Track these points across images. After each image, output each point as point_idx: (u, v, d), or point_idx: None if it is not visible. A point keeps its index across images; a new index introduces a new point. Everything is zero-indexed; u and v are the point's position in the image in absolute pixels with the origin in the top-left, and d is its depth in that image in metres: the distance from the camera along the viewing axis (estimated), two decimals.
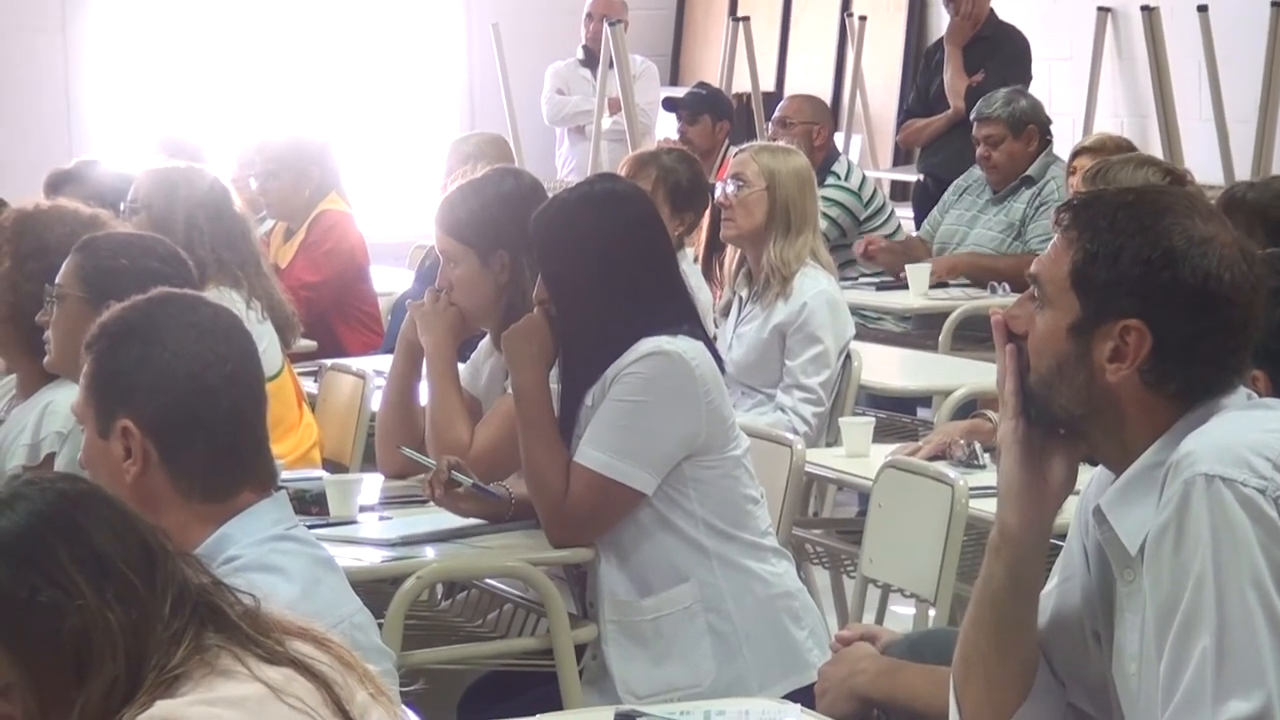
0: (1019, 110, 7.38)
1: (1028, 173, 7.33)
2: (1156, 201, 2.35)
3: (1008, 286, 6.88)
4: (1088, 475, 2.42)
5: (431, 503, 4.03)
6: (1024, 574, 2.37)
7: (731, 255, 5.58)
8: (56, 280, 3.73)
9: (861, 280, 7.40)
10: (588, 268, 3.69)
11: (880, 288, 7.29)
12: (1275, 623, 2.15)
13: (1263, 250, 3.99)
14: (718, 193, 5.51)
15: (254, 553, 2.48)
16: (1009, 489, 2.36)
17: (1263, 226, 4.11)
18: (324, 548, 2.66)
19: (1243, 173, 7.81)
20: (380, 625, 3.37)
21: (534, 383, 3.71)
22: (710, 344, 3.79)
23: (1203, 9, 8.93)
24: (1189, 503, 2.19)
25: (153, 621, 1.92)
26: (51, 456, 3.70)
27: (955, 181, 7.70)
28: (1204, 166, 8.36)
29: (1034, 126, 7.38)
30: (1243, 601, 2.15)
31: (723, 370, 3.81)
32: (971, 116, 7.65)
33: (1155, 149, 8.52)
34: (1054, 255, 2.33)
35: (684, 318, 3.76)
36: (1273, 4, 8.68)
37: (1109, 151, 6.18)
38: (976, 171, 7.55)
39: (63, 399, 3.57)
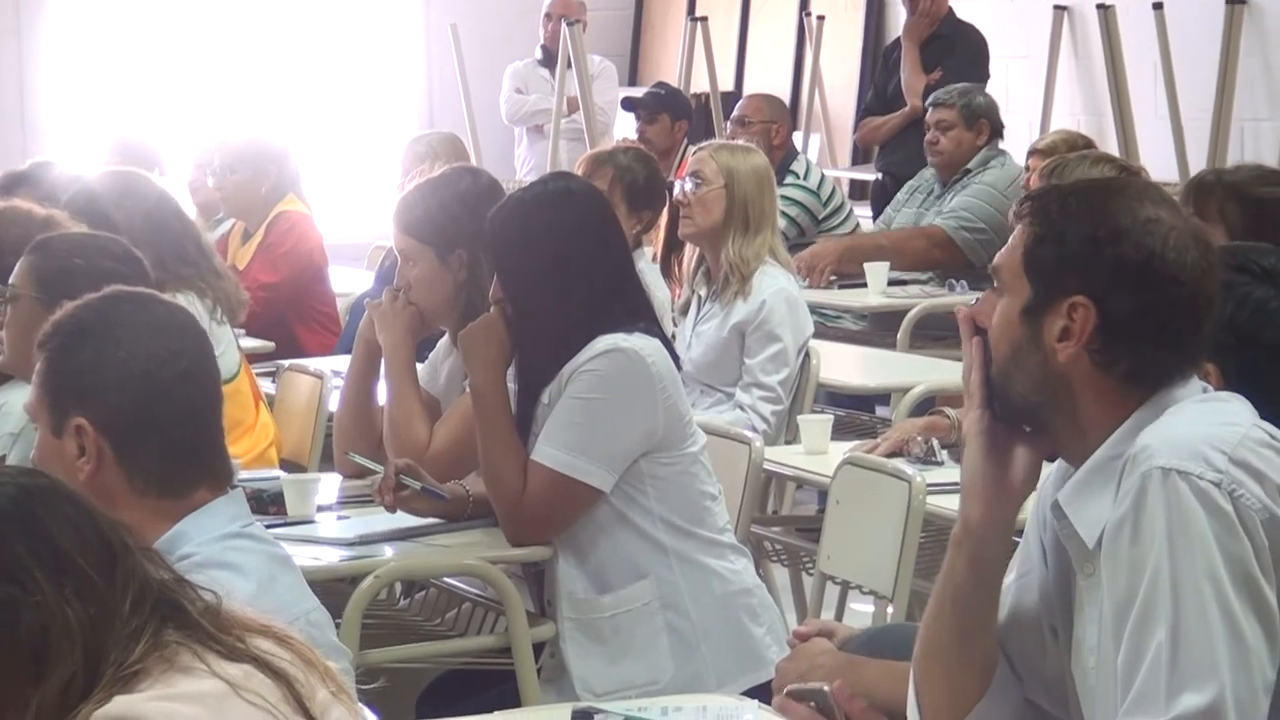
0: (975, 104, 7.41)
1: (968, 165, 7.34)
2: (1107, 187, 2.40)
3: (965, 284, 6.90)
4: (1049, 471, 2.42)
5: None
6: (986, 568, 2.37)
7: (690, 254, 5.58)
8: (10, 281, 3.71)
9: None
10: (542, 266, 3.69)
11: (840, 286, 7.31)
12: (1229, 616, 2.16)
13: (1240, 229, 4.06)
14: (676, 191, 5.51)
15: (209, 550, 2.47)
16: (972, 482, 2.37)
17: (1238, 204, 4.13)
18: (280, 545, 2.66)
19: (1197, 169, 7.84)
20: (338, 624, 3.38)
21: (491, 382, 3.71)
22: (667, 342, 3.80)
23: (1158, 7, 8.97)
24: (1145, 496, 2.20)
25: (112, 618, 1.91)
26: (2, 459, 3.68)
27: (908, 182, 7.72)
28: (1159, 163, 8.40)
29: (986, 121, 7.40)
30: (1197, 595, 2.16)
31: (680, 369, 3.82)
32: (927, 103, 7.67)
33: (1111, 146, 8.55)
34: (1011, 244, 2.37)
35: (640, 316, 3.77)
36: (1227, 1, 8.73)
37: (1065, 149, 6.21)
38: (929, 171, 7.56)
39: (15, 400, 3.56)
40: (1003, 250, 2.37)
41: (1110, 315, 2.29)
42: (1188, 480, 2.18)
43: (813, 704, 2.40)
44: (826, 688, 2.40)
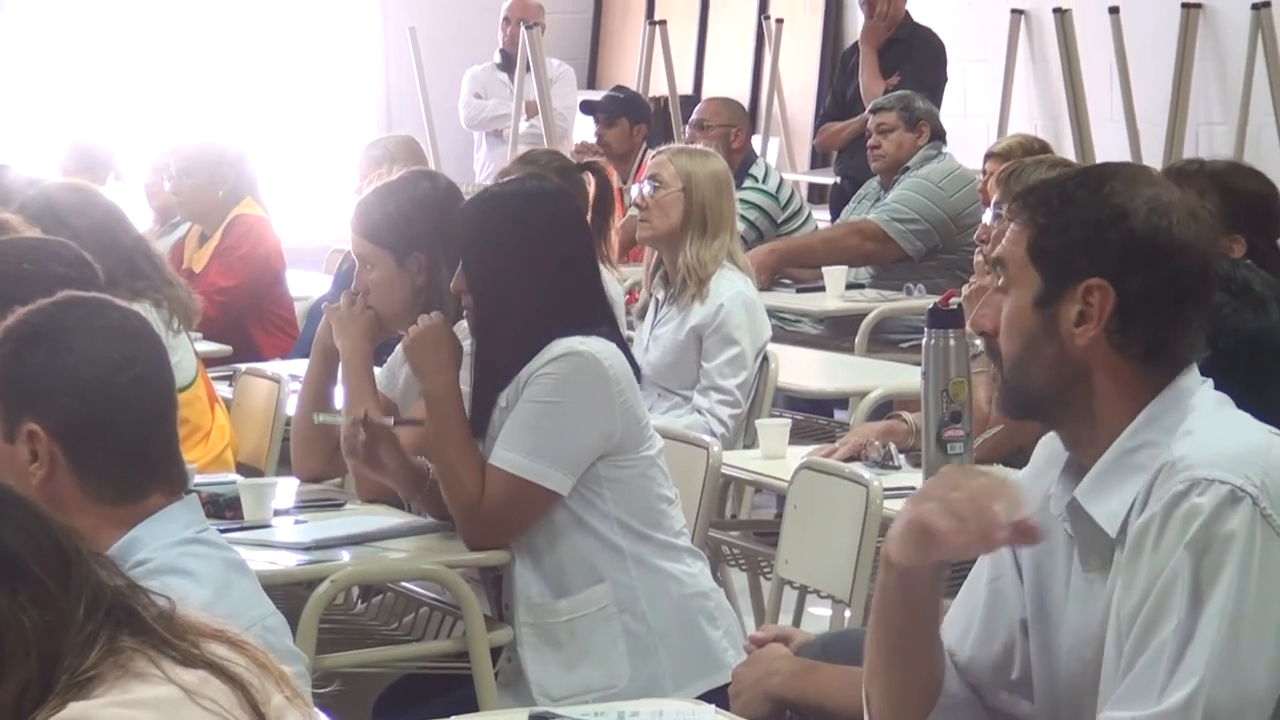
0: (915, 108, 7.43)
1: (908, 165, 7.36)
2: (1101, 171, 2.40)
3: (923, 288, 6.91)
4: None
5: (348, 504, 4.03)
6: (913, 594, 2.34)
7: (649, 257, 5.58)
8: None
9: (779, 283, 7.42)
10: (509, 260, 3.70)
11: (798, 290, 7.32)
12: (1238, 627, 2.17)
13: (1217, 219, 4.08)
14: (634, 194, 5.51)
15: (164, 556, 2.46)
16: (899, 530, 2.32)
17: (1217, 191, 4.16)
18: (236, 551, 2.65)
19: None
20: (295, 629, 3.37)
21: (444, 386, 3.71)
22: (626, 348, 3.80)
23: (1114, 11, 9.01)
24: (1180, 503, 2.21)
25: (66, 624, 1.90)
26: None
27: (858, 192, 7.73)
28: None
29: (926, 124, 7.42)
30: (1214, 602, 2.17)
31: (639, 377, 3.82)
32: (868, 109, 7.70)
33: (1068, 150, 8.59)
34: (1013, 237, 2.37)
35: (601, 321, 3.77)
36: (1183, 5, 8.77)
37: (1022, 153, 6.23)
38: (876, 179, 7.57)
39: None
40: (1003, 246, 2.38)
41: (1126, 294, 2.30)
42: (1227, 491, 2.20)
43: None
44: None
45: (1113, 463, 2.30)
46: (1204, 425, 2.28)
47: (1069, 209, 2.33)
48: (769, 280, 7.16)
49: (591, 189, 5.48)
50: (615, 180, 6.95)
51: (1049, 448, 2.43)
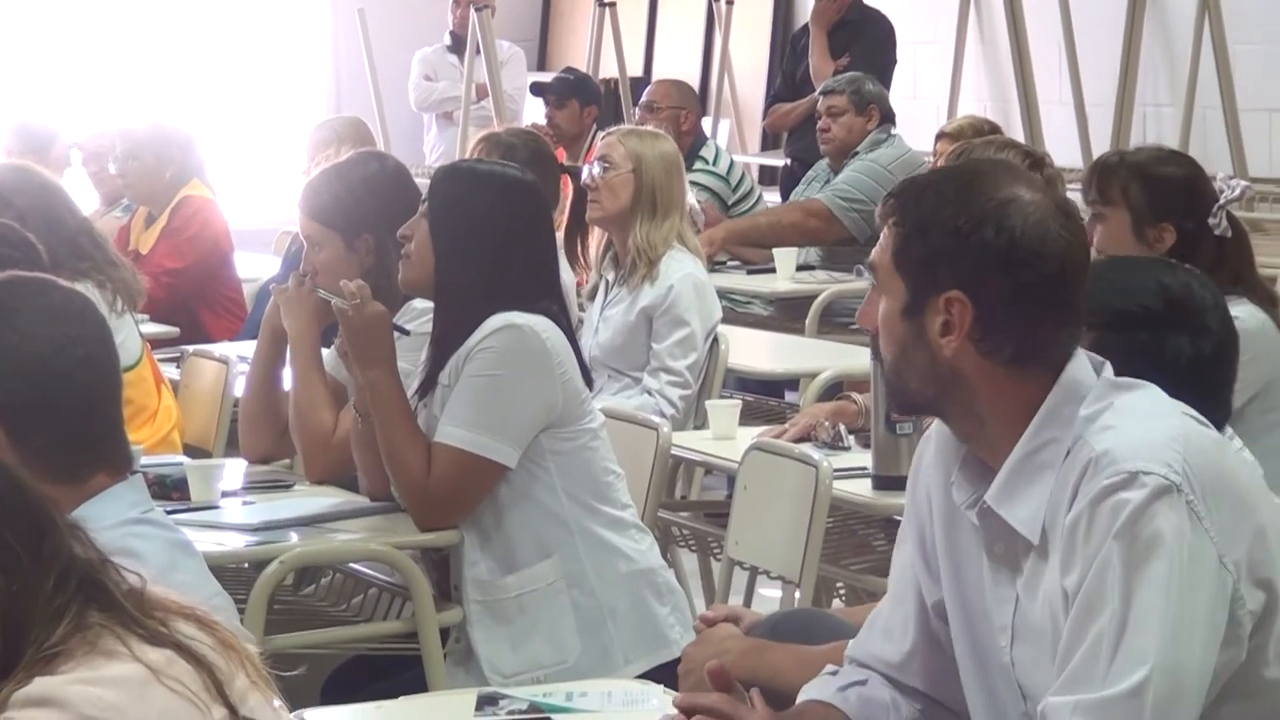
0: (865, 91, 7.43)
1: (857, 149, 7.37)
2: (963, 173, 2.39)
3: None
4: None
5: (296, 486, 4.02)
6: None
7: (598, 239, 5.57)
8: None
9: (728, 265, 7.43)
10: (468, 239, 3.71)
11: (748, 271, 7.33)
12: (1176, 611, 2.17)
13: (1143, 209, 4.09)
14: (584, 176, 5.50)
15: (108, 536, 2.42)
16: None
17: (1140, 182, 4.17)
18: (181, 531, 2.64)
19: (1101, 154, 7.91)
20: (243, 610, 3.36)
21: (385, 374, 3.72)
22: (570, 330, 3.81)
23: None
24: (1108, 497, 2.20)
25: (35, 595, 1.89)
26: None
27: (807, 174, 7.74)
28: (1063, 148, 8.46)
29: (876, 108, 7.42)
30: (1148, 590, 2.17)
31: (581, 358, 3.83)
32: (818, 91, 7.70)
33: (1017, 131, 8.61)
34: (882, 243, 2.37)
35: (549, 303, 3.78)
36: None
37: (972, 134, 6.24)
38: (824, 161, 7.58)
39: None
40: (875, 250, 2.38)
41: (985, 303, 2.29)
42: (1152, 481, 2.20)
43: None
44: (752, 692, 2.42)
45: (1019, 465, 2.30)
46: (1122, 418, 2.27)
47: (926, 216, 2.31)
48: (714, 255, 7.17)
49: (569, 192, 5.50)
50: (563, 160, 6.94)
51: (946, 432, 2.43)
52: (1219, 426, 2.48)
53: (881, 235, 2.38)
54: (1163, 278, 2.69)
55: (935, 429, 2.45)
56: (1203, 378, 2.61)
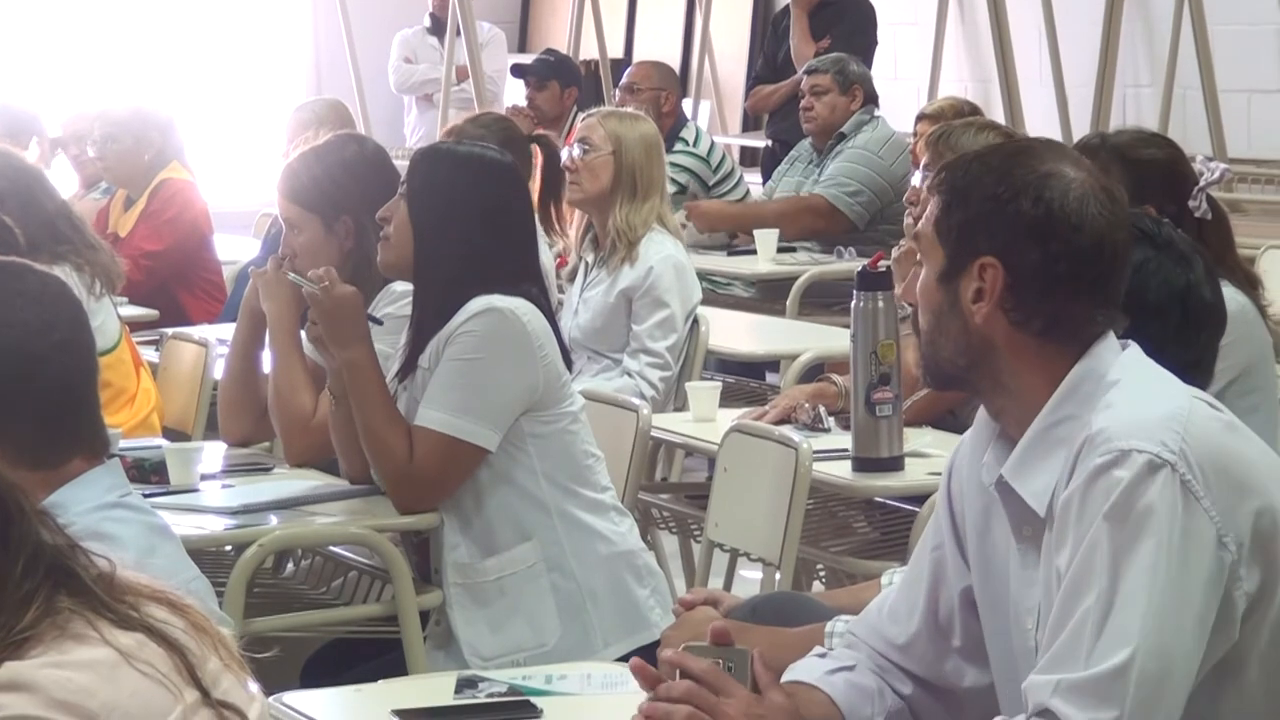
0: (849, 71, 7.44)
1: (843, 130, 7.37)
2: (1011, 148, 2.42)
3: (853, 251, 6.93)
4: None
5: (276, 469, 4.01)
6: None
7: (579, 221, 5.57)
8: None
9: (711, 246, 7.43)
10: (447, 220, 3.71)
11: (730, 253, 7.33)
12: (1165, 592, 2.17)
13: (1123, 187, 4.10)
14: (564, 157, 5.50)
15: (86, 520, 2.44)
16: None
17: (1121, 164, 4.17)
18: (159, 515, 2.63)
19: (1081, 135, 7.91)
20: (222, 593, 3.36)
21: (362, 356, 3.71)
22: (550, 315, 3.80)
23: None
24: (1102, 475, 2.20)
25: (3, 581, 1.88)
26: None
27: (790, 153, 7.74)
28: (1044, 130, 8.46)
29: (859, 88, 7.43)
30: (1137, 569, 2.17)
31: (562, 342, 3.82)
32: (802, 71, 7.69)
33: (998, 113, 8.62)
34: (927, 214, 2.40)
35: (529, 285, 3.78)
36: None
37: (952, 115, 6.23)
38: (807, 141, 7.58)
39: None
40: (921, 221, 2.41)
41: (1017, 271, 2.31)
42: (1145, 460, 2.20)
43: (726, 664, 2.39)
44: (753, 651, 2.40)
45: (1035, 439, 2.31)
46: (1124, 396, 2.28)
47: (970, 185, 2.35)
48: (705, 229, 7.18)
49: (539, 162, 5.49)
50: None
51: (982, 417, 2.44)
52: (1202, 387, 2.48)
53: (929, 204, 2.40)
54: (1149, 223, 2.73)
55: (977, 416, 2.46)
56: (1188, 312, 2.63)
